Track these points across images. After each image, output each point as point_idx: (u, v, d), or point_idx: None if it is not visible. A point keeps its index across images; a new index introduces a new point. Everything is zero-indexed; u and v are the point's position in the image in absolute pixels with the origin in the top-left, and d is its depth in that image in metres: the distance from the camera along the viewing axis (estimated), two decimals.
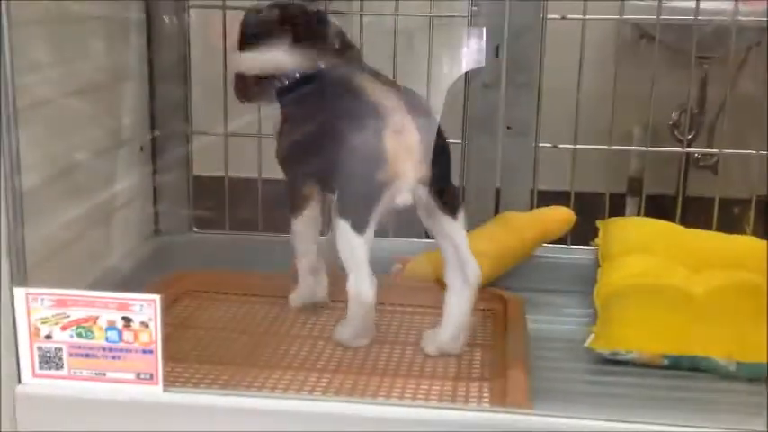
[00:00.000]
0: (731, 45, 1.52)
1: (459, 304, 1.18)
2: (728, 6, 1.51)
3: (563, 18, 1.49)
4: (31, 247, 1.14)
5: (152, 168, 1.55)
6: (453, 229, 1.17)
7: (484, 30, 1.46)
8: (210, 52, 1.55)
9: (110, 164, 1.42)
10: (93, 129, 1.37)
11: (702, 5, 1.64)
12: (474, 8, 1.47)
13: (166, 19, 1.53)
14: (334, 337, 1.22)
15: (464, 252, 1.17)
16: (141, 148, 1.52)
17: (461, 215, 1.17)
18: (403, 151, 1.10)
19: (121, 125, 1.45)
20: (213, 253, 1.53)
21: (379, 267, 1.37)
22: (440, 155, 1.13)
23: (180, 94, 1.54)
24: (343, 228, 1.13)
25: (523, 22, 1.47)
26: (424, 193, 1.13)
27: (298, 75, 1.23)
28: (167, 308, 1.32)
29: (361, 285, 1.13)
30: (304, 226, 1.31)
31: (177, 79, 1.54)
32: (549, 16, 1.48)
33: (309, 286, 1.34)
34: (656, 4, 1.55)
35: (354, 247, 1.12)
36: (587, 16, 1.48)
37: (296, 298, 1.35)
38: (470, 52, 1.50)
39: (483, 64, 1.48)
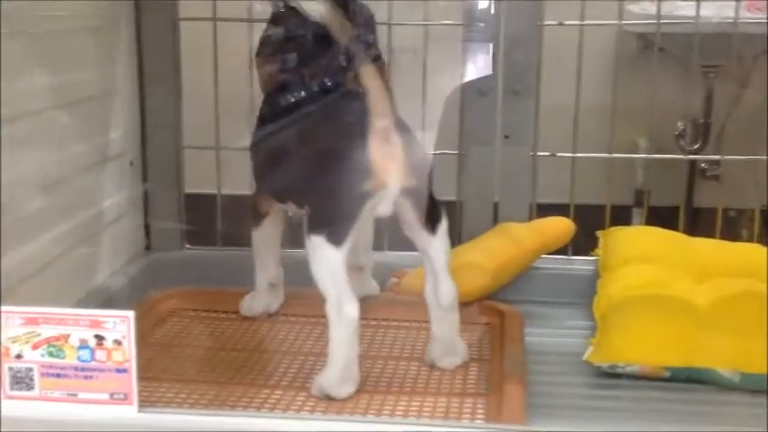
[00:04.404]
0: (733, 54, 1.49)
1: (438, 323, 1.15)
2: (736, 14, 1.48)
3: (560, 24, 1.46)
4: (14, 265, 1.12)
5: (142, 184, 1.52)
6: (430, 246, 1.12)
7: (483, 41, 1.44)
8: (202, 67, 1.53)
9: (98, 179, 1.40)
10: (81, 143, 1.35)
11: (710, 15, 1.61)
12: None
13: (151, 33, 1.50)
14: (315, 389, 1.08)
15: (439, 271, 1.13)
16: (131, 163, 1.49)
17: (441, 231, 1.13)
18: (388, 160, 1.05)
19: (110, 140, 1.43)
20: (206, 269, 1.50)
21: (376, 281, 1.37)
22: (420, 165, 1.09)
23: (170, 109, 1.52)
24: (316, 243, 1.06)
25: (519, 29, 1.44)
26: (405, 204, 1.09)
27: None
28: (155, 326, 1.29)
29: (343, 302, 1.05)
30: (264, 238, 1.29)
31: (168, 94, 1.52)
32: (545, 22, 1.45)
33: (264, 299, 1.32)
34: (662, 13, 1.52)
35: (331, 261, 1.05)
36: (585, 22, 1.45)
37: (249, 308, 1.32)
38: (469, 62, 1.47)
39: (487, 72, 1.45)
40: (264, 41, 1.24)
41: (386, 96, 1.06)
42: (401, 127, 1.07)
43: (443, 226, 1.13)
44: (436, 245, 1.12)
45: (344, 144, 1.07)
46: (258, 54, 1.25)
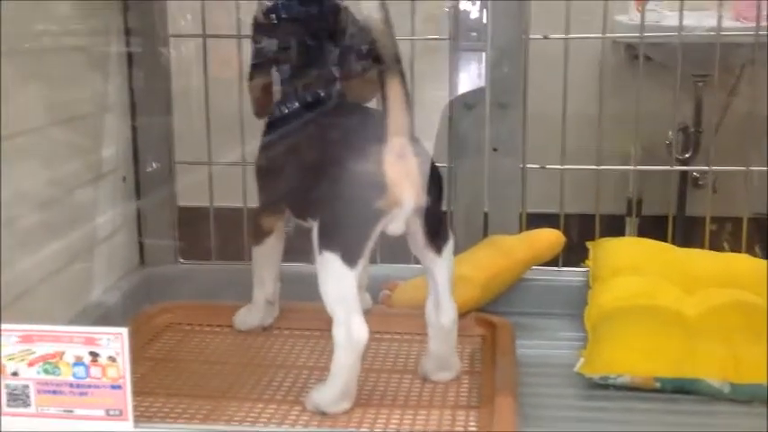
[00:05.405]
0: (717, 62, 1.50)
1: (436, 341, 1.15)
2: (725, 24, 1.49)
3: (545, 38, 1.47)
4: (10, 282, 1.13)
5: (135, 199, 1.53)
6: (435, 265, 1.11)
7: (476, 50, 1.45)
8: (194, 82, 1.54)
9: (92, 195, 1.41)
10: (75, 160, 1.36)
11: (697, 24, 1.62)
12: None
13: (141, 49, 1.51)
14: (311, 403, 1.07)
15: (442, 292, 1.12)
16: (124, 179, 1.50)
17: (447, 251, 1.12)
18: (403, 177, 1.03)
19: (103, 157, 1.44)
20: (200, 283, 1.50)
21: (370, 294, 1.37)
22: (433, 184, 1.06)
23: (162, 125, 1.53)
24: (330, 261, 1.04)
25: (505, 42, 1.45)
26: (416, 222, 1.08)
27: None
28: (150, 341, 1.30)
29: (354, 325, 1.03)
30: (265, 256, 1.29)
31: (159, 109, 1.53)
32: (531, 36, 1.46)
33: (260, 313, 1.32)
34: (649, 23, 1.54)
35: (344, 283, 1.03)
36: (570, 35, 1.46)
37: (243, 322, 1.33)
38: (461, 72, 1.48)
39: (481, 83, 1.46)
40: (257, 56, 1.24)
41: (406, 111, 1.03)
42: (415, 142, 1.05)
43: (449, 246, 1.12)
44: (441, 265, 1.12)
45: (359, 160, 1.04)
46: (252, 74, 1.24)
